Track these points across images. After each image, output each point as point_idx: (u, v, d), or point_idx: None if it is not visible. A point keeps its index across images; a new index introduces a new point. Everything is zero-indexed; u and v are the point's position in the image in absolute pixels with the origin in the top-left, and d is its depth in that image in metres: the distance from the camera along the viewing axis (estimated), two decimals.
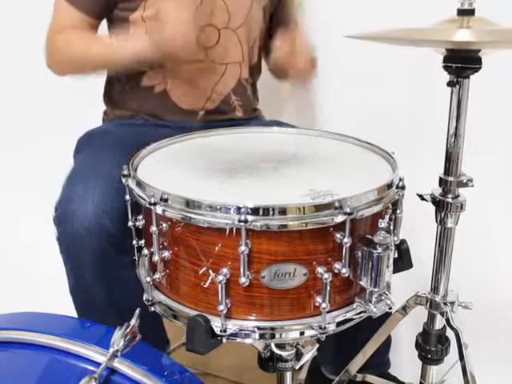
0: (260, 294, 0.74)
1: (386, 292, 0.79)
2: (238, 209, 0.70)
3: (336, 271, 0.75)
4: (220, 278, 0.73)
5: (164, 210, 0.75)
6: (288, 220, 0.71)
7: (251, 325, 0.76)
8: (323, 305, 0.74)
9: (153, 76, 1.19)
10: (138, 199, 0.80)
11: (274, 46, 1.20)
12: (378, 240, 0.73)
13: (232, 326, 0.76)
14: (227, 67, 1.22)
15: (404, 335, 1.26)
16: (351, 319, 0.79)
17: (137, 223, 0.84)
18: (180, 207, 0.74)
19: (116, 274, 0.99)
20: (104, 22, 1.21)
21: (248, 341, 0.77)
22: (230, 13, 1.19)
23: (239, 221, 0.69)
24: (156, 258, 0.79)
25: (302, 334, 0.77)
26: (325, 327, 0.76)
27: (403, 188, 0.81)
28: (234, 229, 0.71)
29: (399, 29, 0.80)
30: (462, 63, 0.83)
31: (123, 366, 0.70)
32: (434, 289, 0.97)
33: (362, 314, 0.80)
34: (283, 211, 0.70)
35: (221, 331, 0.75)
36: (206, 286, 0.76)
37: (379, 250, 0.73)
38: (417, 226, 1.10)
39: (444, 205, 0.91)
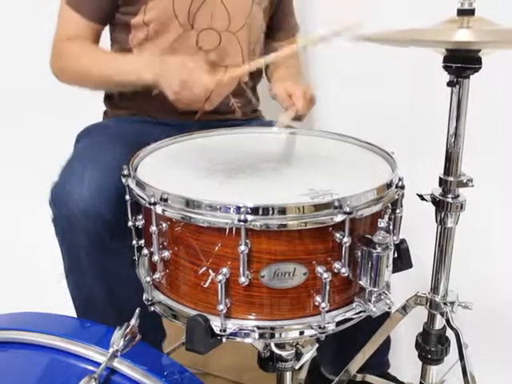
0: (260, 293, 0.74)
1: (386, 292, 0.79)
2: (238, 208, 0.70)
3: (335, 271, 0.75)
4: (220, 277, 0.73)
5: (164, 210, 0.75)
6: (287, 220, 0.71)
7: (251, 324, 0.76)
8: (323, 304, 0.74)
9: None
10: (137, 199, 0.80)
11: (271, 90, 1.19)
12: (377, 240, 0.73)
13: (232, 325, 0.76)
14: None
15: (404, 335, 1.26)
16: (351, 319, 0.79)
17: (137, 223, 0.85)
18: (180, 207, 0.74)
19: (110, 261, 0.99)
20: (106, 27, 1.22)
21: (248, 340, 0.77)
22: (231, 16, 1.18)
23: (239, 220, 0.70)
24: (156, 257, 0.79)
25: (301, 333, 0.77)
26: (324, 327, 0.76)
27: (403, 188, 0.81)
28: (234, 228, 0.71)
29: (399, 29, 0.80)
30: (461, 63, 0.83)
31: (123, 366, 0.70)
32: (434, 289, 0.97)
33: (361, 314, 0.80)
34: (283, 211, 0.70)
35: (220, 331, 0.75)
36: (205, 285, 0.76)
37: (379, 249, 0.73)
38: (417, 225, 1.10)
39: (444, 205, 0.91)
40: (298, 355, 0.86)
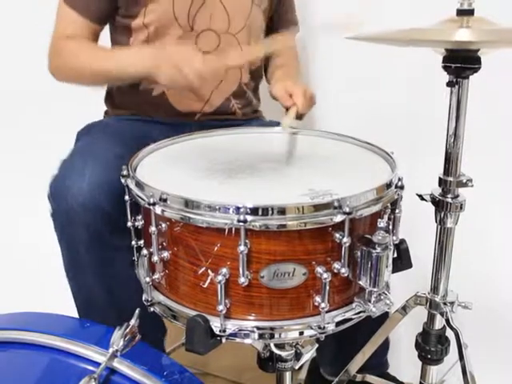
0: (259, 293, 0.74)
1: (385, 292, 0.79)
2: (237, 209, 0.70)
3: (335, 271, 0.75)
4: (219, 278, 0.73)
5: (163, 210, 0.75)
6: (287, 220, 0.71)
7: (250, 325, 0.76)
8: (322, 304, 0.74)
9: None
10: (137, 199, 0.80)
11: (271, 90, 1.19)
12: (377, 240, 0.73)
13: (231, 326, 0.76)
14: (227, 72, 1.22)
15: (404, 335, 1.26)
16: (350, 319, 0.79)
17: (136, 223, 0.85)
18: (179, 207, 0.74)
19: (110, 257, 0.99)
20: (106, 29, 1.21)
21: (247, 341, 0.77)
22: (230, 17, 1.18)
23: (238, 221, 0.69)
24: (155, 258, 0.79)
25: (301, 333, 0.77)
26: (324, 327, 0.76)
27: (402, 188, 0.81)
28: (233, 229, 0.71)
29: (399, 29, 0.80)
30: (461, 63, 0.83)
31: (123, 366, 0.70)
32: (434, 289, 0.97)
33: (361, 314, 0.80)
34: (282, 211, 0.70)
35: (220, 331, 0.75)
36: (205, 286, 0.76)
37: (378, 249, 0.73)
38: (416, 225, 1.10)
39: (444, 205, 0.91)
40: (298, 355, 0.86)
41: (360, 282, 0.76)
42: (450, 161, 0.90)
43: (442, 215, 0.92)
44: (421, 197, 0.94)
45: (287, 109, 1.09)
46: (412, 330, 1.05)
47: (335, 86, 1.57)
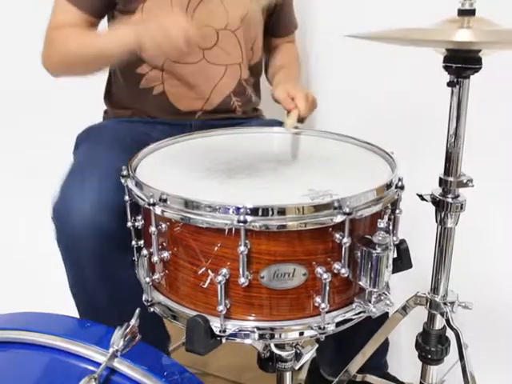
0: (259, 294, 0.74)
1: (386, 292, 0.79)
2: (237, 209, 0.70)
3: (335, 271, 0.75)
4: (219, 278, 0.73)
5: (163, 211, 0.75)
6: (287, 220, 0.71)
7: (250, 325, 0.76)
8: (322, 305, 0.74)
9: (151, 77, 1.19)
10: (137, 199, 0.80)
11: (273, 93, 1.19)
12: (377, 240, 0.73)
13: (231, 326, 0.76)
14: (227, 68, 1.22)
15: (404, 335, 1.26)
16: (350, 319, 0.79)
17: (136, 224, 0.84)
18: (179, 207, 0.74)
19: (116, 274, 0.99)
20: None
21: (247, 341, 0.77)
22: (229, 14, 1.18)
23: (238, 221, 0.69)
24: (155, 258, 0.79)
25: (301, 334, 0.77)
26: (324, 327, 0.76)
27: (402, 188, 0.81)
28: (233, 229, 0.71)
29: (399, 29, 0.80)
30: (462, 63, 0.83)
31: (123, 366, 0.70)
32: (434, 289, 0.97)
33: (361, 314, 0.80)
34: (282, 211, 0.70)
35: (220, 331, 0.75)
36: (205, 286, 0.76)
37: (378, 250, 0.73)
38: (417, 226, 1.10)
39: (444, 205, 0.91)
40: (298, 355, 0.86)
41: (360, 283, 0.76)
42: (451, 161, 0.90)
43: (443, 215, 0.92)
44: (421, 197, 0.94)
45: (288, 111, 1.09)
46: (412, 330, 1.05)
47: (335, 86, 1.57)
